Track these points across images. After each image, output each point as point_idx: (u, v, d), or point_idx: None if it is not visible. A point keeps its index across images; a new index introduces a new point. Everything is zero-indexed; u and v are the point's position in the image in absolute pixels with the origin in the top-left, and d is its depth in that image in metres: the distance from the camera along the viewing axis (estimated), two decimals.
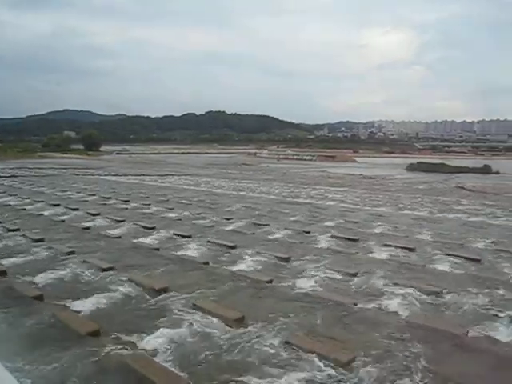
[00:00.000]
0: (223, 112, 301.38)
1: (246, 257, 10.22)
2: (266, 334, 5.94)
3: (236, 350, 5.50)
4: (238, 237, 12.41)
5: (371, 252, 11.22)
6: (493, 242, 12.85)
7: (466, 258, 10.70)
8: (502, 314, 7.06)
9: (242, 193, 24.65)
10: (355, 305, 7.27)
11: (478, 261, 10.62)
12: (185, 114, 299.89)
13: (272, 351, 5.48)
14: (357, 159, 77.32)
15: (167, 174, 34.99)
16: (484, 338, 6.21)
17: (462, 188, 31.89)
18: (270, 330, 6.09)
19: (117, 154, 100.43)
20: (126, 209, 17.56)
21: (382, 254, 11.02)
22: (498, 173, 51.94)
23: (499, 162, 72.89)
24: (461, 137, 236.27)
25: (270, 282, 8.31)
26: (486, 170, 53.34)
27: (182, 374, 4.90)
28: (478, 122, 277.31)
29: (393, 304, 7.41)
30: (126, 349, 5.44)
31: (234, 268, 9.23)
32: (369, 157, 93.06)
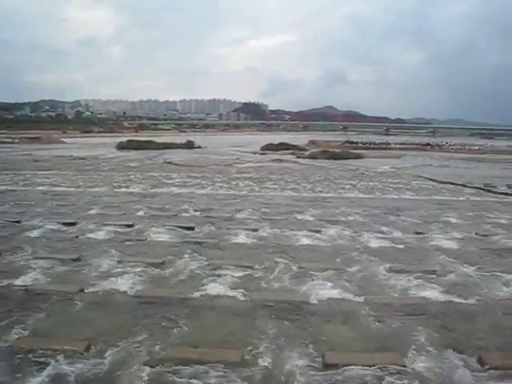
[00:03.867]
0: None
1: None
2: None
3: None
4: None
5: (91, 233, 11.05)
6: (201, 210, 14.26)
7: (182, 227, 11.62)
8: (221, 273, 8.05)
9: None
10: (82, 291, 7.11)
11: (192, 228, 11.68)
12: None
13: None
14: (65, 140, 73.30)
15: None
16: (205, 297, 6.98)
17: (171, 163, 33.69)
18: None
19: None
20: None
21: (102, 234, 10.99)
22: (200, 147, 56.86)
23: (200, 137, 79.82)
24: (165, 115, 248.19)
25: None
26: (189, 145, 57.68)
27: None
28: (179, 102, 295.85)
29: (122, 282, 7.54)
30: None
31: None
32: (78, 137, 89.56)
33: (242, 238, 10.84)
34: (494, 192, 21.17)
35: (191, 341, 5.45)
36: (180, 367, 4.81)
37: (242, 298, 6.94)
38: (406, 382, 4.68)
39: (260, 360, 5.07)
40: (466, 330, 5.97)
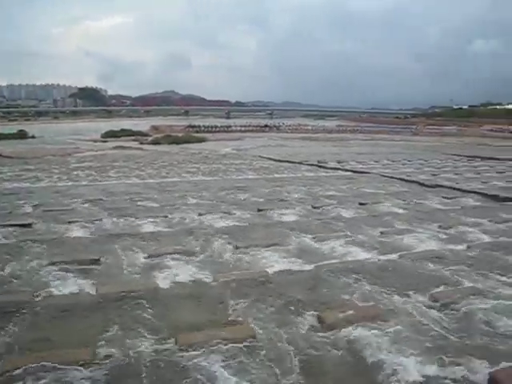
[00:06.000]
0: None
1: None
2: None
3: None
4: None
5: None
6: (38, 204, 13.23)
7: (17, 225, 10.56)
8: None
9: None
10: None
11: (29, 225, 10.70)
12: None
13: None
14: None
15: None
16: (49, 298, 6.50)
17: (0, 155, 30.97)
18: None
19: None
20: None
21: None
22: (34, 137, 53.07)
23: (34, 126, 73.94)
24: None
25: None
26: (22, 135, 53.61)
27: None
28: (6, 87, 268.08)
29: None
30: None
31: None
32: None
33: (83, 230, 10.32)
34: (326, 167, 23.24)
35: (37, 347, 5.05)
36: (27, 374, 4.40)
37: (90, 293, 6.61)
38: (255, 350, 4.97)
39: (112, 354, 4.89)
40: (308, 295, 6.48)
